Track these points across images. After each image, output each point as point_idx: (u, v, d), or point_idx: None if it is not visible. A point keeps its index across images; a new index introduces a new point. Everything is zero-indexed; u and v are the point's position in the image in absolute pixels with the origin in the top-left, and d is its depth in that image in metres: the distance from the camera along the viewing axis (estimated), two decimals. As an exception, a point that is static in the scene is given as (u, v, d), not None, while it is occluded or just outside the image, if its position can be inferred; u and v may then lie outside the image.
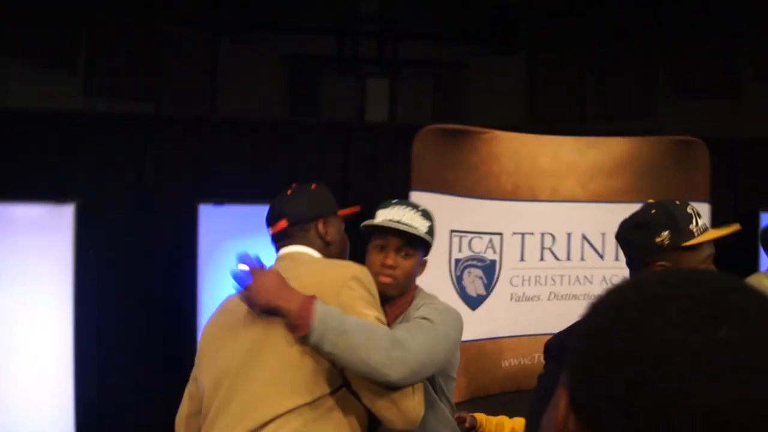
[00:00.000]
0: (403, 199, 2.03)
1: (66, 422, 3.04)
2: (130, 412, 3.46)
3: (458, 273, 3.16)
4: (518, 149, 3.32)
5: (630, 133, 3.68)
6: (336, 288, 1.64)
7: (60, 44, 5.34)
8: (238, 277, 1.67)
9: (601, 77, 6.80)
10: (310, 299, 1.58)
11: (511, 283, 3.27)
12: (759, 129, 5.26)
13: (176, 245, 3.43)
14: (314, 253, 1.83)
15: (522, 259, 3.29)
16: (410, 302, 1.92)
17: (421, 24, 7.42)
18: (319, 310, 1.56)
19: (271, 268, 1.70)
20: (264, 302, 1.62)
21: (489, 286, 3.23)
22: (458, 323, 1.84)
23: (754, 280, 3.33)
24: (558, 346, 1.59)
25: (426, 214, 1.95)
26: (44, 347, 3.03)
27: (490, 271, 3.23)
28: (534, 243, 3.30)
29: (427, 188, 3.10)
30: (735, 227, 1.71)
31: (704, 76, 6.18)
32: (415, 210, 1.93)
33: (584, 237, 3.37)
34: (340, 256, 1.89)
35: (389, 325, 1.86)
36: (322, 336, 1.54)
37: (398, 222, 1.88)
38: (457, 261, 3.15)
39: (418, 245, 1.90)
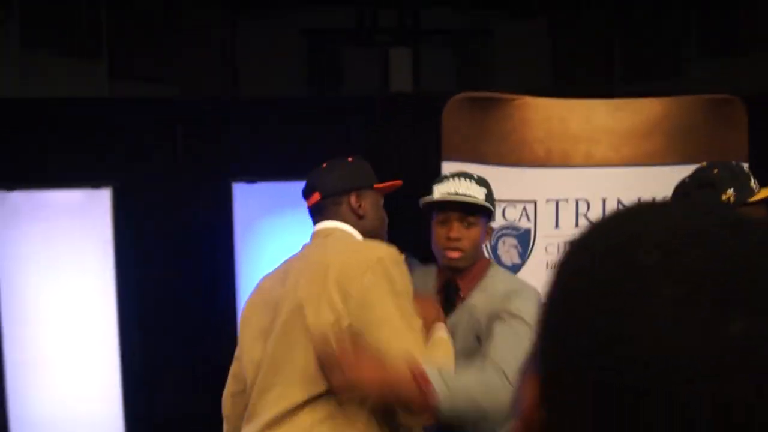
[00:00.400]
0: (458, 171, 2.03)
1: (114, 400, 3.12)
2: (173, 386, 3.54)
3: (493, 242, 3.16)
4: (549, 114, 3.28)
5: (661, 93, 3.60)
6: (361, 271, 1.62)
7: (82, 31, 5.37)
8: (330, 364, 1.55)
9: (628, 37, 6.65)
10: (423, 378, 1.49)
11: (546, 251, 3.25)
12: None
13: (211, 224, 3.48)
14: (347, 228, 1.82)
15: (557, 227, 3.26)
16: (483, 274, 1.92)
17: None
18: (437, 384, 1.49)
19: (359, 349, 1.55)
20: (378, 395, 1.53)
21: (524, 255, 3.22)
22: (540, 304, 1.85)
23: None
24: None
25: (481, 181, 1.96)
26: (90, 328, 3.10)
27: (524, 239, 3.22)
28: (569, 209, 3.28)
29: (459, 158, 3.08)
30: None
31: (733, 31, 6.01)
32: (470, 179, 1.94)
33: (619, 202, 3.33)
34: (375, 230, 1.87)
35: (463, 298, 1.88)
36: (448, 408, 1.51)
37: (455, 194, 1.89)
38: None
39: (479, 213, 1.91)
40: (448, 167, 2.97)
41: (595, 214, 3.30)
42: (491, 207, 1.93)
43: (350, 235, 1.82)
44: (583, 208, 3.29)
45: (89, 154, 3.46)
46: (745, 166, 3.31)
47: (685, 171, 1.98)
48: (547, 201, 3.25)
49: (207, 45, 6.60)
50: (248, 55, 6.96)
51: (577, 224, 3.28)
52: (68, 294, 3.07)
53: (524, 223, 3.21)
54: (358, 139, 3.92)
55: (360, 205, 1.84)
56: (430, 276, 2.04)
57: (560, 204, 3.27)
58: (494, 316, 1.76)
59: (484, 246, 2.02)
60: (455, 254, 1.87)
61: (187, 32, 6.36)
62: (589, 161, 3.30)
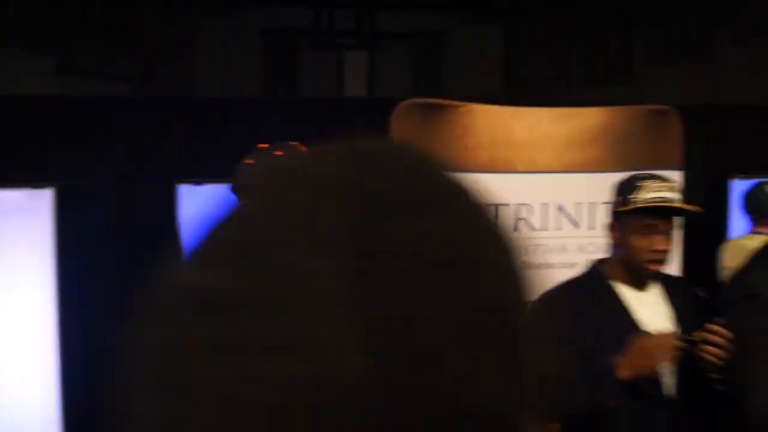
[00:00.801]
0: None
1: (50, 400, 3.09)
2: (112, 385, 3.50)
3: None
4: (494, 122, 3.35)
5: (610, 100, 3.72)
6: None
7: (32, 25, 5.26)
8: None
9: (579, 44, 6.81)
10: None
11: (488, 255, 3.32)
12: (736, 92, 5.32)
13: (157, 225, 3.45)
14: None
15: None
16: None
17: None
18: None
19: None
20: None
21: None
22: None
23: (734, 245, 3.42)
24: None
25: None
26: (27, 329, 3.06)
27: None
28: (509, 214, 3.35)
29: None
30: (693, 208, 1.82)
31: (681, 41, 6.21)
32: None
33: (560, 207, 3.42)
34: None
35: None
36: None
37: None
38: (435, 234, 3.20)
39: None
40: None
41: (536, 218, 3.39)
42: None
43: None
44: (524, 212, 3.37)
45: (30, 153, 3.41)
46: (678, 174, 3.45)
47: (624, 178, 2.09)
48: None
49: (162, 42, 6.53)
50: (204, 54, 6.91)
51: (516, 228, 3.36)
52: (5, 294, 3.02)
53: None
54: (310, 142, 3.94)
55: None
56: None
57: (500, 209, 3.33)
58: None
59: None
60: None
61: (141, 29, 6.27)
62: (531, 168, 3.38)
